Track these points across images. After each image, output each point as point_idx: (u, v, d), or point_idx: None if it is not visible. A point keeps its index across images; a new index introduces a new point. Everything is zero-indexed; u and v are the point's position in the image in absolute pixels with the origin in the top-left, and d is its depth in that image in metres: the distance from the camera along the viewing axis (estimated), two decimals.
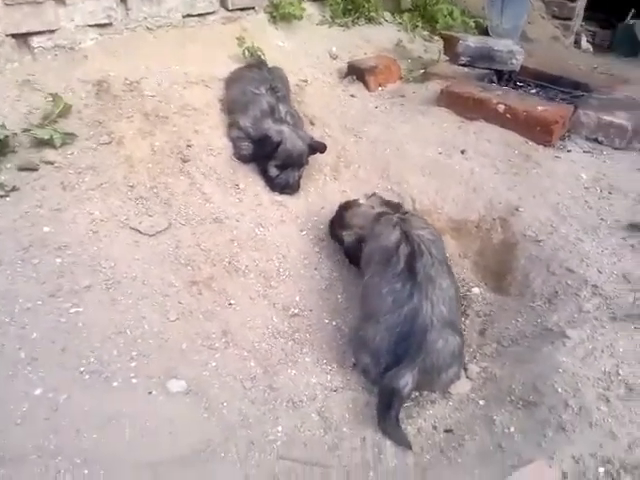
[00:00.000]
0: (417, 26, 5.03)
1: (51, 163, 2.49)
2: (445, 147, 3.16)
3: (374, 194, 2.57)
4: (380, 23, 4.95)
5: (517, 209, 2.76)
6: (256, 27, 4.15)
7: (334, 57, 4.35)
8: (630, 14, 7.62)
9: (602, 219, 2.67)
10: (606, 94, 3.76)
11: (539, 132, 3.14)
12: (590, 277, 2.30)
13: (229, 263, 2.44)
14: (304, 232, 2.73)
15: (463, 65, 3.98)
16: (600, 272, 2.32)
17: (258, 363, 2.10)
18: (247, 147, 2.94)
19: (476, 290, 2.59)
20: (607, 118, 3.25)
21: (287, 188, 2.89)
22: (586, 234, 2.56)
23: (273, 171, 2.88)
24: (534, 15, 6.08)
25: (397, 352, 1.90)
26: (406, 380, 1.83)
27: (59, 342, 1.90)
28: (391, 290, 1.99)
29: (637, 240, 2.49)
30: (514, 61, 3.94)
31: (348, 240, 2.45)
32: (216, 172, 2.81)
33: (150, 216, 2.47)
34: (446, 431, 1.89)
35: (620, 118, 3.26)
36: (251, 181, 2.86)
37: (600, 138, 3.28)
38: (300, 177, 2.93)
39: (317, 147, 2.95)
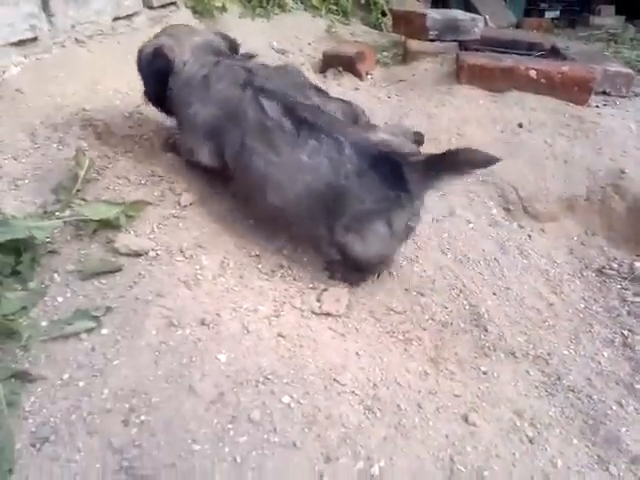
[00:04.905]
0: (330, 10, 4.59)
1: (138, 254, 1.52)
2: (501, 125, 2.84)
3: None
4: (290, 10, 4.39)
5: (622, 172, 2.60)
6: None
7: (281, 52, 3.71)
8: None
9: None
10: (564, 50, 3.85)
11: (577, 92, 3.01)
12: None
13: (430, 315, 1.79)
14: None
15: (432, 40, 3.70)
16: None
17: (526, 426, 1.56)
18: None
19: (639, 264, 2.36)
20: (612, 69, 3.29)
21: None
22: None
23: None
24: None
25: None
26: None
27: None
28: None
29: None
30: (476, 29, 3.79)
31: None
32: None
33: (315, 289, 1.68)
34: None
35: (619, 67, 3.33)
36: None
37: (607, 89, 3.30)
38: None
39: None
